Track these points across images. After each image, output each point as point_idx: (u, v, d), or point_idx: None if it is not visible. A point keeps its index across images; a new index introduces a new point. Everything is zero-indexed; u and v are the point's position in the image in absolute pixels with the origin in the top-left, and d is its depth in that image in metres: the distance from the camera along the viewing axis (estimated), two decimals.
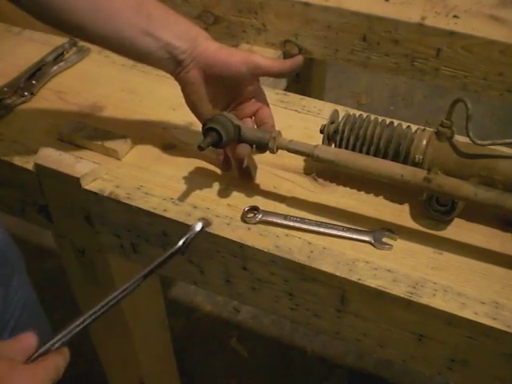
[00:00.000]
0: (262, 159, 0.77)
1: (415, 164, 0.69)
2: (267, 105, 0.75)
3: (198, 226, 0.66)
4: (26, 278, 0.72)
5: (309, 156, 0.69)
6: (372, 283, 0.63)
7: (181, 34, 0.69)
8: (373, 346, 0.69)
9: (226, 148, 0.73)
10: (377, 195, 0.74)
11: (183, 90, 0.73)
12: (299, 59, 0.71)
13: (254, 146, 0.71)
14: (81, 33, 0.69)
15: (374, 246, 0.67)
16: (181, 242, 0.65)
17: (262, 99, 0.74)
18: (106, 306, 0.56)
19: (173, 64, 0.70)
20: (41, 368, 0.50)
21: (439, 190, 0.64)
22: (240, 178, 0.76)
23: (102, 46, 0.70)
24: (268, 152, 0.70)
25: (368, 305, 0.65)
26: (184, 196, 0.74)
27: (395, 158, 0.70)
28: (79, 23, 0.66)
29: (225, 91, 0.72)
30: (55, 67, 0.95)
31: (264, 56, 0.71)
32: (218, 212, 0.71)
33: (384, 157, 0.71)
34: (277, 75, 0.71)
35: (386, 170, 0.66)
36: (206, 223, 0.68)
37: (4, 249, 0.66)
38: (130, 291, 0.58)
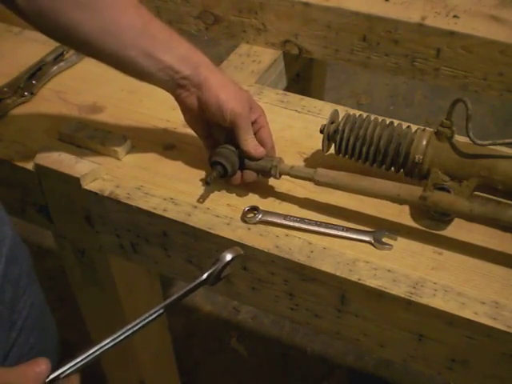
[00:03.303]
0: None
1: (415, 164, 0.69)
2: (267, 124, 0.75)
3: (228, 257, 0.59)
4: (34, 277, 0.72)
5: (309, 180, 0.71)
6: (372, 283, 0.63)
7: (182, 58, 0.69)
8: (373, 346, 0.69)
9: None
10: None
11: (181, 109, 0.74)
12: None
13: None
14: (85, 48, 0.70)
15: (373, 246, 0.67)
16: (205, 275, 0.58)
17: (262, 120, 0.74)
18: (121, 337, 0.52)
19: (173, 86, 0.71)
20: None
21: (435, 206, 0.66)
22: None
23: (105, 63, 0.71)
24: None
25: (368, 305, 0.65)
26: (184, 196, 0.74)
27: (395, 158, 0.70)
28: (85, 39, 0.67)
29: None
30: (55, 67, 0.95)
31: (247, 127, 0.71)
32: (218, 212, 0.71)
33: (384, 157, 0.71)
34: (242, 150, 0.72)
35: (383, 191, 0.68)
36: (236, 252, 0.60)
37: (13, 247, 0.66)
38: (147, 322, 0.54)
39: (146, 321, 0.54)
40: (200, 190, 0.75)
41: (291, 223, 0.69)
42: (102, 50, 0.68)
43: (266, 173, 0.73)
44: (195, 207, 0.72)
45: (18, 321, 0.68)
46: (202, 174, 0.77)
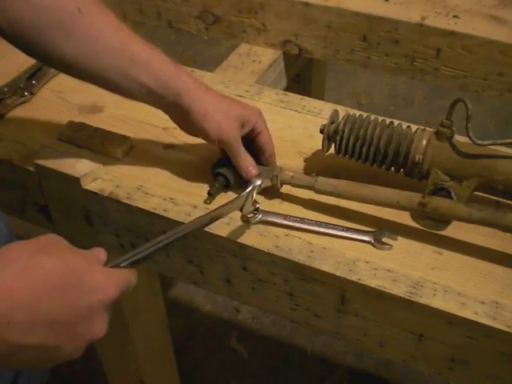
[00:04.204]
0: None
1: (415, 164, 0.69)
2: (265, 129, 0.74)
3: (258, 181, 0.70)
4: None
5: (310, 189, 0.71)
6: (372, 283, 0.63)
7: (163, 84, 0.68)
8: (373, 346, 0.69)
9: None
10: None
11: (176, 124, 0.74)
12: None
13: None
14: (67, 69, 0.70)
15: (373, 246, 0.67)
16: (247, 191, 0.68)
17: (259, 126, 0.74)
18: (171, 238, 0.58)
19: (157, 105, 0.72)
20: (115, 273, 0.53)
21: (434, 212, 0.66)
22: None
23: (91, 83, 0.70)
24: None
25: (368, 305, 0.65)
26: (184, 196, 0.74)
27: (395, 158, 0.70)
28: (64, 60, 0.66)
29: None
30: None
31: (236, 150, 0.72)
32: None
33: (384, 157, 0.71)
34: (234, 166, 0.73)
35: (382, 198, 0.68)
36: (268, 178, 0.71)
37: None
38: (195, 229, 0.61)
39: (192, 228, 0.61)
40: (200, 189, 0.75)
41: (291, 223, 0.69)
42: (81, 71, 0.67)
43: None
44: (195, 207, 0.72)
45: None
46: (202, 173, 0.77)
